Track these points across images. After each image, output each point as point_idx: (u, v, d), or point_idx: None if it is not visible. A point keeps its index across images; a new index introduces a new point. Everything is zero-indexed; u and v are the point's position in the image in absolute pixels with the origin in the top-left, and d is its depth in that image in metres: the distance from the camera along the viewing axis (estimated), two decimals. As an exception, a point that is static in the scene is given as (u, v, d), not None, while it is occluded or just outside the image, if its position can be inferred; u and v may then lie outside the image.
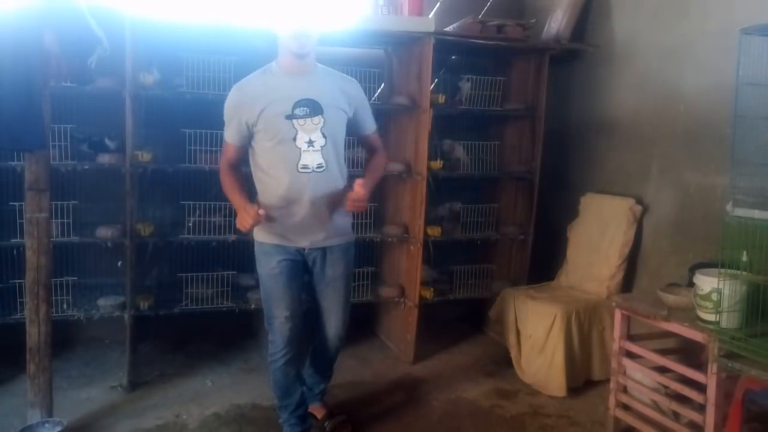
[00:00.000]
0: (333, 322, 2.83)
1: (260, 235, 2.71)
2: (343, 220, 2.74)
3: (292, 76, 2.59)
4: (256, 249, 2.74)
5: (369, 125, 2.82)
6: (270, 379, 2.84)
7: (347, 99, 2.67)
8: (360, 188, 2.53)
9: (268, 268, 2.68)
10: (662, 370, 2.88)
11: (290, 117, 2.52)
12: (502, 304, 3.97)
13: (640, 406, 2.98)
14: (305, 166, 2.55)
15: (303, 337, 2.80)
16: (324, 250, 2.70)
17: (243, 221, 2.51)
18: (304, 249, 2.67)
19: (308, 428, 2.89)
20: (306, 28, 2.51)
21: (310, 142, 2.54)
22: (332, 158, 2.60)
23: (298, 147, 2.54)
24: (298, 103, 2.53)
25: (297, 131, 2.53)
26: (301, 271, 2.75)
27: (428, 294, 3.99)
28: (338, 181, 2.66)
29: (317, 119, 2.55)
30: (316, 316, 2.87)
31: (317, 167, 2.56)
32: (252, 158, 2.70)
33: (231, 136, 2.64)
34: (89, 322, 3.50)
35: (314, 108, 2.54)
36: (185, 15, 3.42)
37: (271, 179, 2.60)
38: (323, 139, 2.56)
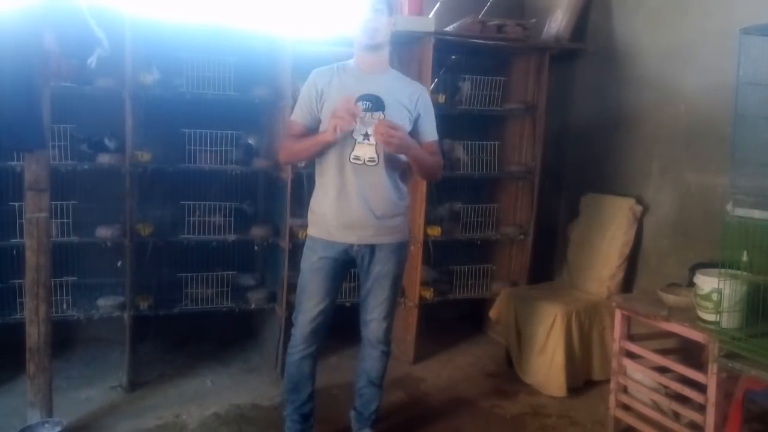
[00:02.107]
0: (375, 318, 2.76)
1: (312, 230, 2.71)
2: (396, 219, 2.69)
3: (364, 73, 2.63)
4: (306, 242, 2.75)
5: (430, 133, 2.77)
6: (285, 370, 2.85)
7: (413, 103, 2.67)
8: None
9: (309, 262, 2.69)
10: (662, 370, 2.88)
11: None
12: (502, 304, 3.96)
13: (640, 406, 2.98)
14: (357, 158, 2.57)
15: (326, 336, 2.79)
16: (373, 248, 2.67)
17: (341, 118, 2.43)
18: (352, 246, 2.65)
19: (310, 427, 2.88)
20: (377, 21, 2.56)
21: (367, 136, 2.56)
22: (388, 155, 2.59)
23: (353, 138, 2.56)
24: (362, 97, 2.56)
25: (356, 123, 2.54)
26: (343, 271, 2.75)
27: (428, 294, 3.99)
28: (391, 179, 2.64)
29: (378, 114, 2.56)
30: (360, 314, 2.82)
31: (369, 160, 2.57)
32: None
33: (298, 114, 2.65)
34: (89, 322, 3.50)
35: (377, 104, 2.57)
36: (185, 15, 3.43)
37: (325, 168, 2.62)
38: None
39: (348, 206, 2.60)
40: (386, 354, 2.83)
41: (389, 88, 2.62)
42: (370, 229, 2.63)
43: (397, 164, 2.67)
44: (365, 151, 2.57)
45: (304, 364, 2.76)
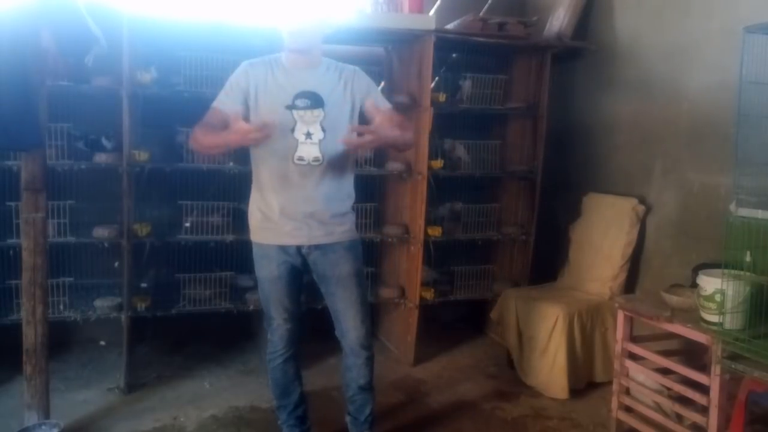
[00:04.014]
0: (351, 326, 2.67)
1: (258, 236, 2.65)
2: (344, 217, 2.65)
3: (296, 69, 2.57)
4: (255, 251, 2.68)
5: (382, 104, 2.68)
6: (268, 378, 2.81)
7: (350, 91, 2.61)
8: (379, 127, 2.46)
9: (267, 271, 2.63)
10: (665, 371, 2.86)
11: (290, 107, 2.50)
12: (503, 305, 3.94)
13: (642, 408, 2.96)
14: (301, 158, 2.51)
15: (303, 336, 2.76)
16: (324, 249, 2.60)
17: (244, 135, 2.35)
18: (302, 247, 2.59)
19: (308, 429, 2.86)
20: (300, 25, 2.50)
21: (308, 135, 2.51)
22: (331, 153, 2.54)
23: (295, 138, 2.51)
24: (300, 95, 2.51)
25: (296, 122, 2.50)
26: (301, 272, 2.68)
27: (429, 295, 3.96)
28: (337, 178, 2.60)
29: (317, 112, 2.52)
30: (335, 325, 2.74)
31: (313, 160, 2.52)
32: (251, 153, 2.66)
33: (224, 101, 2.55)
34: (86, 323, 3.49)
35: (315, 100, 2.52)
36: (183, 13, 3.41)
37: (267, 171, 2.57)
38: (322, 133, 2.52)
39: (295, 208, 2.54)
40: (370, 359, 2.74)
41: (325, 82, 2.56)
42: (319, 229, 2.57)
43: (343, 161, 2.61)
44: (309, 151, 2.51)
45: (288, 366, 2.73)
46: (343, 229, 2.64)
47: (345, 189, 2.65)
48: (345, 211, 2.66)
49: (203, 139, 2.52)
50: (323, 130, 2.52)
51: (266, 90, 2.52)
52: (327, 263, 2.62)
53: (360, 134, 2.44)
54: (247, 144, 2.47)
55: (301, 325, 2.73)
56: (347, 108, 2.60)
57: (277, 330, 2.68)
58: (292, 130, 2.50)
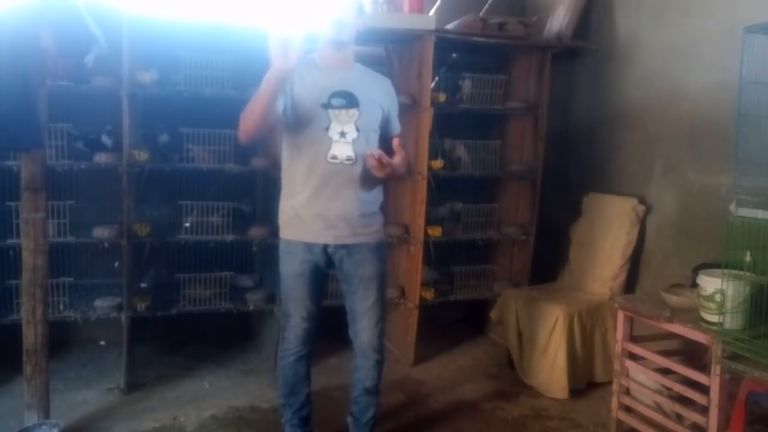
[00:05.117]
0: (365, 326, 2.67)
1: (286, 232, 2.65)
2: (372, 218, 2.66)
3: (331, 69, 2.58)
4: (281, 247, 2.68)
5: (396, 126, 2.76)
6: (278, 374, 2.80)
7: (384, 97, 2.65)
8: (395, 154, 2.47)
9: (291, 268, 2.63)
10: (665, 371, 2.86)
11: (326, 106, 2.50)
12: (503, 305, 3.94)
13: (642, 408, 2.96)
14: (334, 157, 2.52)
15: (317, 337, 2.75)
16: (349, 249, 2.60)
17: (280, 58, 2.28)
18: (328, 246, 2.59)
19: (311, 430, 2.86)
20: (342, 16, 2.51)
21: (343, 134, 2.52)
22: (363, 153, 2.54)
23: (329, 137, 2.51)
24: (335, 94, 2.51)
25: (331, 121, 2.51)
26: (324, 272, 2.68)
27: (429, 295, 3.96)
28: (367, 177, 2.59)
29: (353, 111, 2.52)
30: (349, 324, 2.74)
31: (346, 159, 2.53)
32: (282, 148, 2.67)
33: None
34: (86, 323, 3.48)
35: (351, 100, 2.52)
36: (183, 13, 3.40)
37: (299, 168, 2.57)
38: (356, 132, 2.53)
39: (324, 206, 2.54)
40: (380, 362, 2.73)
41: (360, 83, 2.58)
42: (346, 229, 2.57)
43: None
44: (342, 149, 2.52)
45: (299, 365, 2.73)
46: (371, 231, 2.65)
47: (375, 189, 2.66)
48: (374, 212, 2.67)
49: (247, 112, 2.44)
50: (357, 129, 2.53)
51: (303, 87, 2.52)
52: (352, 263, 2.63)
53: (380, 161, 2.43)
54: (285, 66, 2.30)
55: (318, 325, 2.71)
56: (379, 112, 2.62)
57: (293, 328, 2.68)
58: (327, 129, 2.51)
